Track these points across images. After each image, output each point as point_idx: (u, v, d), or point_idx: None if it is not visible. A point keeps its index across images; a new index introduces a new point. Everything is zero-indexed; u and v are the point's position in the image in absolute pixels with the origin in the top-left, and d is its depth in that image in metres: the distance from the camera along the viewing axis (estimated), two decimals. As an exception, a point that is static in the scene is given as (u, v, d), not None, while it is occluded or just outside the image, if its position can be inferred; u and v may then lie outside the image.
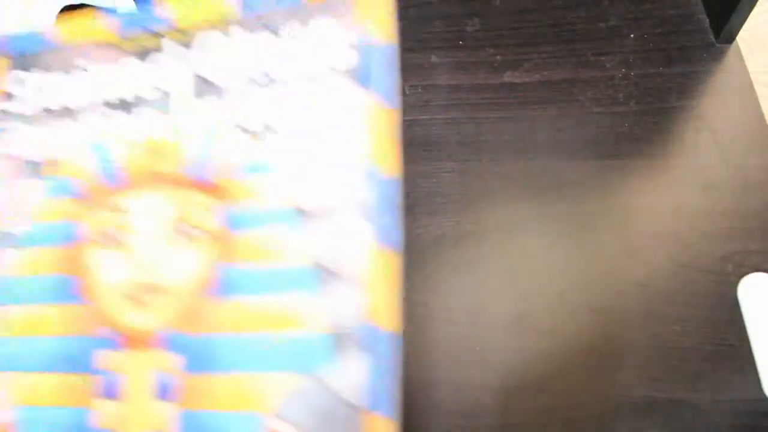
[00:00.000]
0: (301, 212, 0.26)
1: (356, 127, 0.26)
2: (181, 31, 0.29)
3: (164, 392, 0.26)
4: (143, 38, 0.29)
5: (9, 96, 0.31)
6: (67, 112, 0.30)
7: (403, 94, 0.46)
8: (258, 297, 0.26)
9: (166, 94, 0.29)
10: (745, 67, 0.45)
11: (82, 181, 0.29)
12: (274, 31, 0.28)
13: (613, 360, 0.35)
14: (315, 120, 0.27)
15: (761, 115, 0.43)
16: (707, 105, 0.44)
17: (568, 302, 0.37)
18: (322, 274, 0.25)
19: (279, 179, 0.27)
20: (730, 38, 0.46)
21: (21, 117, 0.31)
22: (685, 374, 0.35)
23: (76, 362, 0.27)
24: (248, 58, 0.28)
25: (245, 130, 0.28)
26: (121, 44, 0.30)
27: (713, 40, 0.46)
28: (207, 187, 0.28)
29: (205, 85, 0.29)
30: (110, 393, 0.26)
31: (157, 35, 0.29)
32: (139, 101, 0.29)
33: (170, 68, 0.29)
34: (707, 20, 0.47)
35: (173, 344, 0.26)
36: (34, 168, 0.30)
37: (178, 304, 0.26)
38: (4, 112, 0.31)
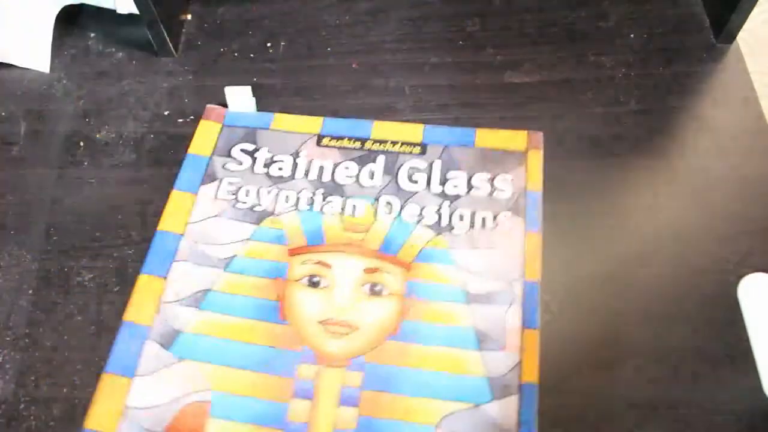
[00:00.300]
0: (467, 293, 0.36)
1: (514, 244, 0.38)
2: (380, 142, 0.42)
3: (348, 400, 0.34)
4: (350, 142, 0.42)
5: (238, 161, 0.42)
6: (288, 183, 0.41)
7: (403, 93, 0.46)
8: (430, 346, 0.35)
9: (374, 189, 0.41)
10: (745, 67, 0.45)
11: (291, 235, 0.39)
12: (461, 168, 0.41)
13: (612, 360, 0.35)
14: (485, 234, 0.38)
15: (761, 115, 0.43)
16: (707, 105, 0.44)
17: (568, 302, 0.37)
18: (481, 337, 0.35)
19: (454, 267, 0.37)
20: (730, 38, 0.46)
21: (251, 177, 0.41)
22: (685, 374, 0.35)
23: (280, 368, 0.35)
24: (436, 177, 0.41)
25: (429, 227, 0.39)
26: (342, 149, 0.42)
27: (713, 40, 0.46)
28: (393, 260, 0.38)
29: (401, 191, 0.40)
30: (305, 395, 0.34)
31: (362, 142, 0.42)
32: (350, 190, 0.41)
33: (379, 175, 0.41)
34: (707, 20, 0.47)
35: (358, 367, 0.35)
36: (254, 217, 0.40)
37: (366, 341, 0.35)
38: (236, 172, 0.42)
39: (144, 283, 0.37)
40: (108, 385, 0.34)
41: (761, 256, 0.38)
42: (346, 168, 0.41)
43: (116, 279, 0.39)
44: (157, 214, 0.40)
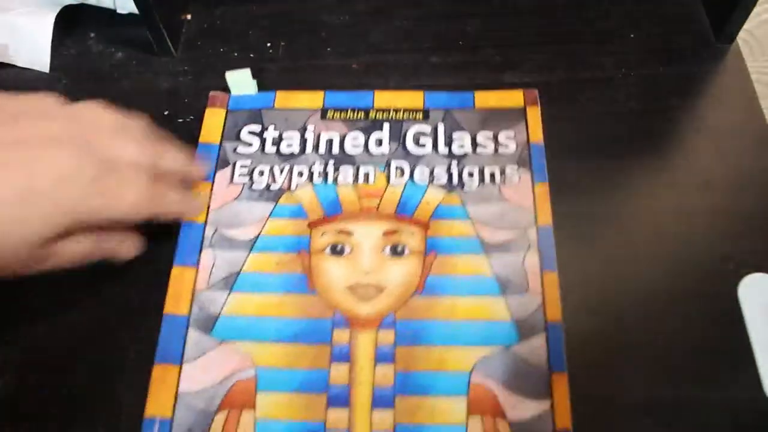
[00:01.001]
0: (485, 244, 0.38)
1: (524, 194, 0.40)
2: (383, 111, 0.43)
3: (384, 358, 0.36)
4: (354, 113, 0.44)
5: (247, 143, 0.43)
6: (299, 158, 0.42)
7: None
8: (455, 297, 0.37)
9: (383, 155, 0.42)
10: (745, 67, 0.45)
11: (309, 209, 0.40)
12: (464, 129, 0.43)
13: (612, 360, 0.36)
14: (495, 188, 0.40)
15: (761, 115, 0.43)
16: (707, 105, 0.44)
17: (568, 302, 0.37)
18: (503, 283, 0.37)
19: (469, 221, 0.39)
20: (730, 38, 0.46)
21: (262, 157, 0.42)
22: (685, 374, 0.35)
23: (315, 336, 0.36)
24: (441, 139, 0.42)
25: (440, 186, 0.40)
26: (347, 120, 0.43)
27: (713, 40, 0.46)
28: (410, 220, 0.39)
29: (409, 155, 0.42)
30: (343, 359, 0.36)
31: (365, 113, 0.44)
32: (360, 159, 0.42)
33: (386, 142, 0.42)
34: (707, 20, 0.47)
35: (389, 325, 0.36)
36: (271, 196, 0.41)
37: (394, 299, 0.37)
38: (246, 155, 0.42)
39: (177, 274, 0.38)
40: (160, 374, 0.36)
41: (761, 256, 0.38)
42: (354, 138, 0.43)
43: (118, 279, 0.39)
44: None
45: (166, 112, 0.46)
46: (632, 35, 0.47)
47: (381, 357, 0.36)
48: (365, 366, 0.35)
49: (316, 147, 0.42)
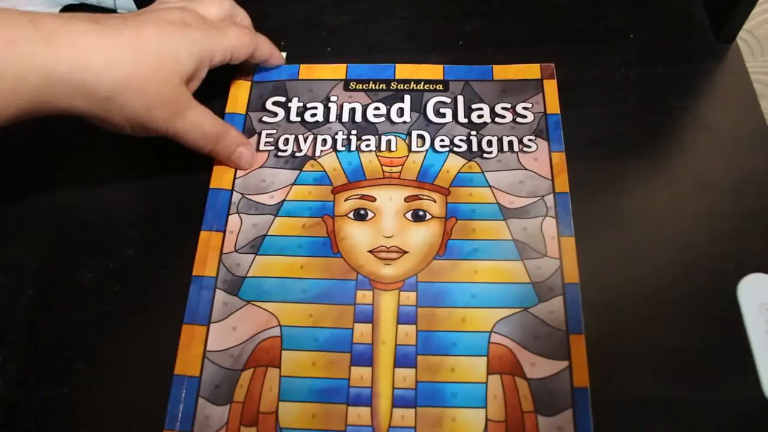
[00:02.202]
0: (504, 209, 0.40)
1: (541, 163, 0.41)
2: (404, 82, 0.45)
3: (406, 318, 0.37)
4: (376, 84, 0.45)
5: (272, 113, 0.44)
6: (323, 127, 0.43)
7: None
8: (475, 261, 0.38)
9: (405, 124, 0.43)
10: (745, 67, 0.45)
11: (333, 176, 0.41)
12: (483, 100, 0.44)
13: (612, 360, 0.36)
14: (513, 156, 0.41)
15: (761, 115, 0.43)
16: (707, 105, 0.44)
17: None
18: (522, 248, 0.38)
19: (488, 188, 0.40)
20: (730, 38, 0.46)
21: (287, 126, 0.43)
22: (684, 374, 0.35)
23: (339, 297, 0.37)
24: (461, 110, 0.44)
25: (460, 154, 0.42)
26: (369, 91, 0.45)
27: (713, 40, 0.46)
28: (431, 187, 0.40)
29: (430, 124, 0.43)
30: (366, 318, 0.37)
31: (387, 84, 0.45)
32: (382, 127, 0.43)
33: (407, 112, 0.44)
34: (707, 20, 0.47)
35: (412, 287, 0.38)
36: (296, 163, 0.42)
37: (416, 262, 0.38)
38: (272, 124, 0.44)
39: (205, 238, 0.40)
40: (188, 334, 0.37)
41: (761, 256, 0.38)
42: (376, 108, 0.44)
43: (118, 278, 0.39)
44: (161, 210, 0.40)
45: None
46: (632, 35, 0.47)
47: (403, 317, 0.37)
48: (388, 326, 0.36)
49: (339, 116, 0.44)
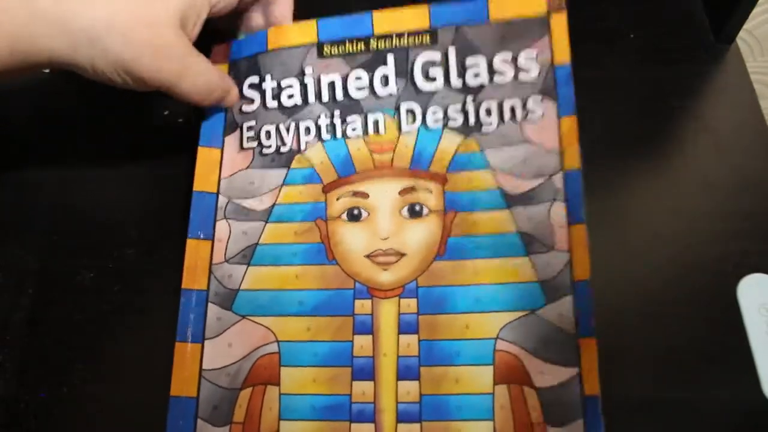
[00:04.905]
0: (507, 195, 0.35)
1: (548, 133, 0.36)
2: (385, 38, 0.38)
3: (407, 327, 0.34)
4: (353, 45, 0.38)
5: (249, 100, 0.39)
6: (303, 112, 0.39)
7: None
8: (478, 260, 0.35)
9: (391, 97, 0.38)
10: (745, 67, 0.45)
11: (322, 171, 0.38)
12: (479, 51, 0.37)
13: (612, 360, 0.35)
14: (515, 127, 0.36)
15: (761, 115, 0.43)
16: (707, 105, 0.44)
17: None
18: (528, 240, 0.35)
19: (489, 170, 0.36)
20: (730, 38, 0.46)
21: (265, 115, 0.39)
22: (684, 374, 0.35)
23: (337, 308, 0.35)
24: (453, 69, 0.37)
25: (455, 130, 0.37)
26: (347, 55, 0.38)
27: (713, 40, 0.46)
28: (427, 175, 0.36)
29: (420, 94, 0.38)
30: (366, 330, 0.34)
31: (365, 43, 0.38)
32: (367, 104, 0.38)
33: (392, 79, 0.38)
34: (707, 20, 0.47)
35: (412, 293, 0.35)
36: (282, 161, 0.38)
37: (416, 265, 0.35)
38: (251, 113, 0.39)
39: (192, 248, 0.37)
40: (181, 353, 0.35)
41: (761, 256, 0.38)
42: (357, 79, 0.38)
43: (117, 278, 0.39)
44: (161, 210, 0.40)
45: (166, 112, 0.46)
46: (632, 35, 0.47)
47: (404, 327, 0.34)
48: (389, 337, 0.34)
49: (318, 95, 0.39)
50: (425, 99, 0.38)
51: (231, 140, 0.39)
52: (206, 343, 0.35)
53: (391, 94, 0.38)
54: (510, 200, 0.36)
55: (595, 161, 0.42)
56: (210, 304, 0.36)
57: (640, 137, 0.43)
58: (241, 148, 0.39)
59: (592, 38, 0.47)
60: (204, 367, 0.35)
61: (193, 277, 0.37)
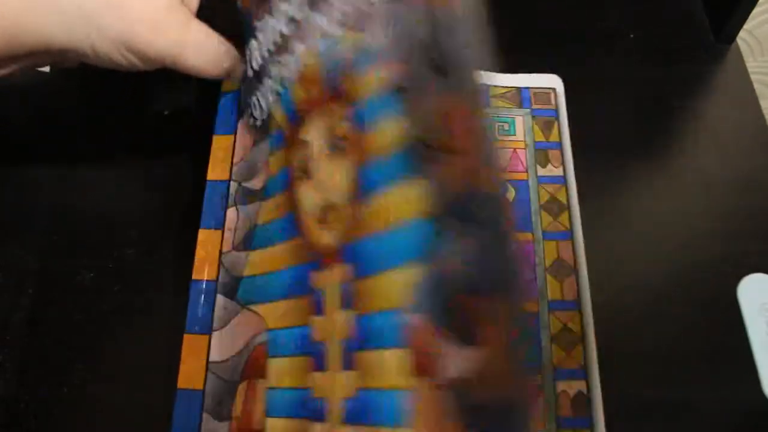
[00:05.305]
0: (400, 89, 0.26)
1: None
2: None
3: (347, 302, 0.27)
4: None
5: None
6: (260, 70, 0.34)
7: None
8: (384, 189, 0.26)
9: (305, 21, 0.31)
10: (745, 67, 0.45)
11: (284, 130, 0.33)
12: None
13: (612, 360, 0.36)
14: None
15: (761, 115, 0.43)
16: (707, 105, 0.44)
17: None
18: (423, 151, 0.25)
19: (380, 63, 0.27)
20: (730, 38, 0.46)
21: (251, 85, 0.35)
22: (685, 374, 0.35)
23: (302, 286, 0.30)
24: None
25: (346, 27, 0.29)
26: None
27: (713, 40, 0.46)
28: (338, 94, 0.29)
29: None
30: (319, 310, 0.29)
31: None
32: (290, 41, 0.32)
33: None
34: (707, 20, 0.47)
35: (346, 255, 0.28)
36: (265, 127, 0.34)
37: (344, 217, 0.28)
38: (247, 86, 0.35)
39: (204, 238, 0.36)
40: (189, 345, 0.34)
41: (761, 256, 0.38)
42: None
43: (117, 278, 0.39)
44: (161, 210, 0.40)
45: (166, 112, 0.46)
46: (632, 35, 0.47)
47: (345, 302, 0.28)
48: (333, 317, 0.28)
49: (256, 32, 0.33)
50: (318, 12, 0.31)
51: (241, 123, 0.38)
52: (213, 334, 0.34)
53: (304, 19, 0.31)
54: (401, 96, 0.27)
55: (595, 161, 0.42)
56: (218, 295, 0.35)
57: (640, 137, 0.43)
58: (248, 127, 0.37)
59: (592, 38, 0.47)
60: (210, 359, 0.34)
61: (203, 268, 0.35)
